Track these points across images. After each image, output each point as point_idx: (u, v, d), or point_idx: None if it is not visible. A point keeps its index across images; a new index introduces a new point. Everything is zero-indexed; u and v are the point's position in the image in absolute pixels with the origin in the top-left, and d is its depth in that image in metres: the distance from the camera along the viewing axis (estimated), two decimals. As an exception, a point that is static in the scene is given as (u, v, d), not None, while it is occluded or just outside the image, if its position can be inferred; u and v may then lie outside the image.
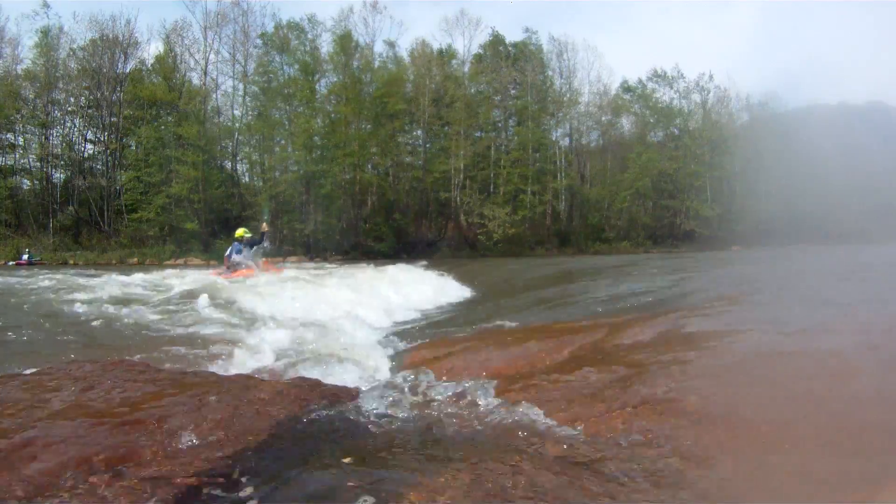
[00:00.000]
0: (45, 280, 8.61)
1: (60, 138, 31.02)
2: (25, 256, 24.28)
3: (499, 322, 5.18)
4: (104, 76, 30.53)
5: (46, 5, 30.19)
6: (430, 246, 33.39)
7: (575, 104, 38.44)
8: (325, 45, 33.85)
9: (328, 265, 19.73)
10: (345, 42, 32.28)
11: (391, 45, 36.37)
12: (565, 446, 1.73)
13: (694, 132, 38.36)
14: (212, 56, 32.15)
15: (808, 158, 33.65)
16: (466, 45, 38.49)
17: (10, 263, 23.48)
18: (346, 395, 2.15)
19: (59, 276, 9.41)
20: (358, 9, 34.64)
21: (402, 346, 4.37)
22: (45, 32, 30.07)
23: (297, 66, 32.42)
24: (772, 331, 2.88)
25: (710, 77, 39.65)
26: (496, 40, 38.43)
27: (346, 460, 1.57)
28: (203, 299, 5.81)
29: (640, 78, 40.24)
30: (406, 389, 2.40)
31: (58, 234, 28.56)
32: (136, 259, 26.87)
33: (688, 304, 4.85)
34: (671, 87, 39.94)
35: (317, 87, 32.85)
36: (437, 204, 35.15)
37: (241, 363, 3.52)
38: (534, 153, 35.02)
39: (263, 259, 9.72)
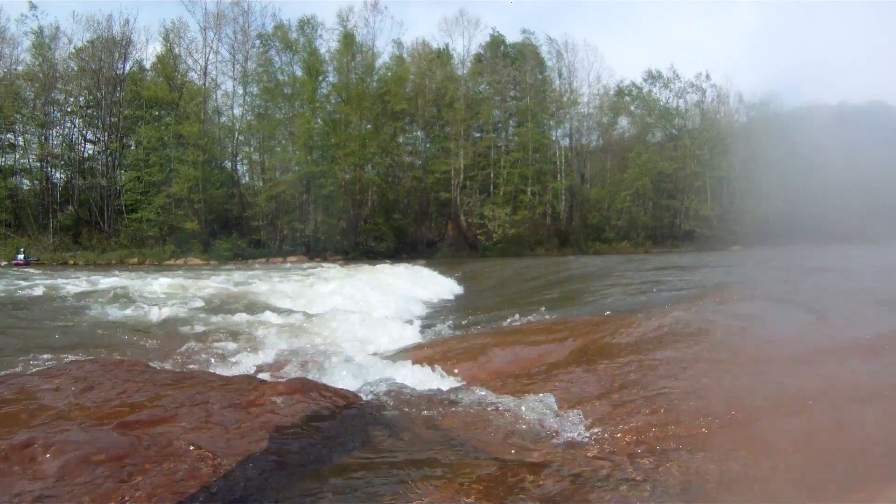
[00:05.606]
0: (42, 279, 8.60)
1: (60, 138, 30.97)
2: (21, 256, 23.95)
3: (497, 322, 5.18)
4: (104, 76, 30.47)
5: (33, 6, 29.93)
6: (429, 246, 33.38)
7: (575, 104, 38.40)
8: (325, 45, 33.85)
9: (327, 265, 19.73)
10: (348, 42, 32.22)
11: (399, 44, 36.32)
12: (571, 445, 1.73)
13: (693, 132, 38.33)
14: (211, 56, 32.12)
15: (807, 158, 33.61)
16: (466, 45, 38.36)
17: (4, 264, 23.14)
18: (347, 397, 2.15)
19: (57, 277, 9.40)
20: (358, 9, 34.57)
21: (402, 346, 4.37)
22: (38, 33, 29.91)
23: (299, 66, 32.41)
24: (770, 332, 2.88)
25: (707, 76, 39.66)
26: (496, 40, 38.38)
27: (349, 465, 1.57)
28: (204, 300, 5.81)
29: (635, 81, 40.29)
30: (405, 391, 2.40)
31: (58, 235, 28.50)
32: (136, 259, 26.82)
33: (682, 304, 4.84)
34: (668, 88, 39.94)
35: (317, 86, 32.80)
36: (437, 204, 35.13)
37: (243, 363, 3.51)
38: (534, 153, 34.98)
39: None
